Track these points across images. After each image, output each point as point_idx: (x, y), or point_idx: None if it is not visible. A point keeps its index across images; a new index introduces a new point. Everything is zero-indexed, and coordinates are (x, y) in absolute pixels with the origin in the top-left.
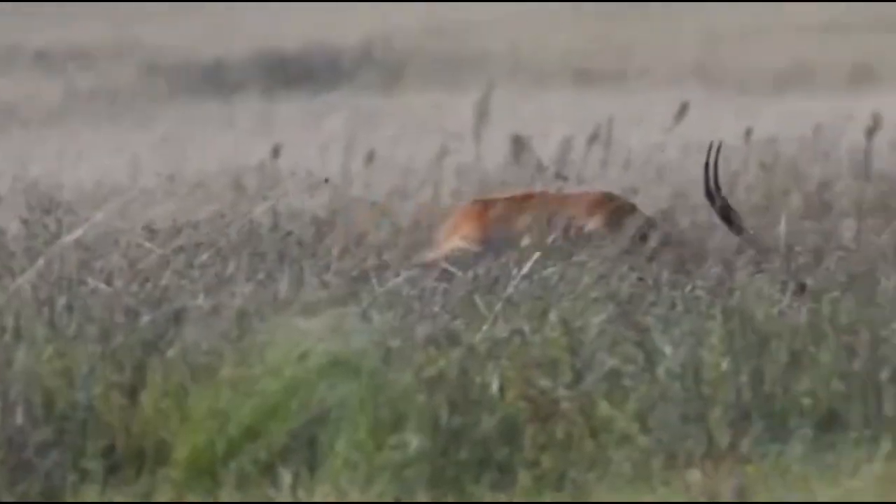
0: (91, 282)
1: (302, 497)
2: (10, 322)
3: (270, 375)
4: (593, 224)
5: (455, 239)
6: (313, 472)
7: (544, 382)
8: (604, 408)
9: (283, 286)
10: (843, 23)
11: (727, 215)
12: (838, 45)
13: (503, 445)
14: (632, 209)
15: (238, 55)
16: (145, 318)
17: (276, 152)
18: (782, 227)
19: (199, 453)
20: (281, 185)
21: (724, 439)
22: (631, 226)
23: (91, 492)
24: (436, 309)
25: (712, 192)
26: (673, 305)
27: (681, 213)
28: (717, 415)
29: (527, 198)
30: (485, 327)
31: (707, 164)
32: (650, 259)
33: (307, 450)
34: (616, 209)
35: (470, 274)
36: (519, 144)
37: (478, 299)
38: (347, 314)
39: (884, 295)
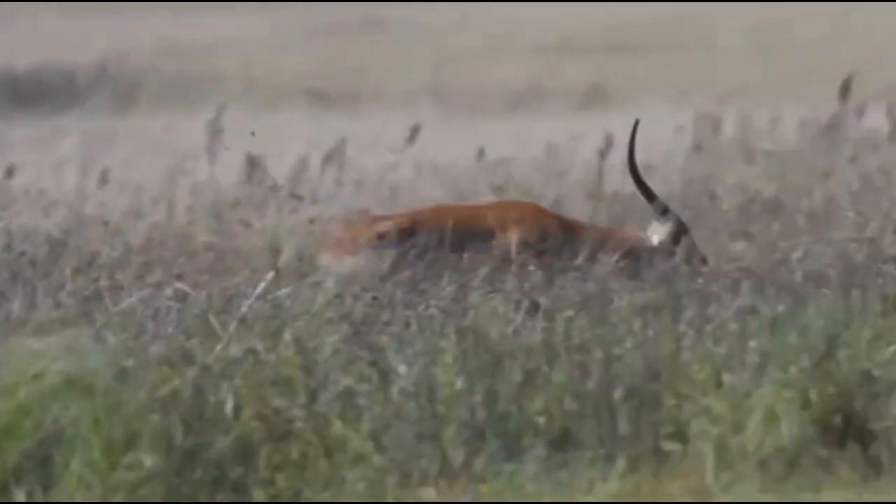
0: None
1: None
2: None
3: (4, 395)
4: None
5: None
6: (47, 492)
7: (279, 402)
8: (338, 427)
9: (17, 306)
10: (574, 44)
11: (650, 195)
12: (571, 67)
13: (238, 465)
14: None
15: None
16: None
17: (9, 172)
18: (514, 247)
19: None
20: (14, 204)
21: (458, 458)
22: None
23: None
24: (170, 329)
25: (636, 173)
26: (407, 325)
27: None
28: (451, 434)
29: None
30: (219, 347)
31: (630, 145)
32: (384, 279)
33: (41, 469)
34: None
35: (203, 294)
36: (253, 164)
37: (212, 319)
38: (81, 334)
39: (617, 314)
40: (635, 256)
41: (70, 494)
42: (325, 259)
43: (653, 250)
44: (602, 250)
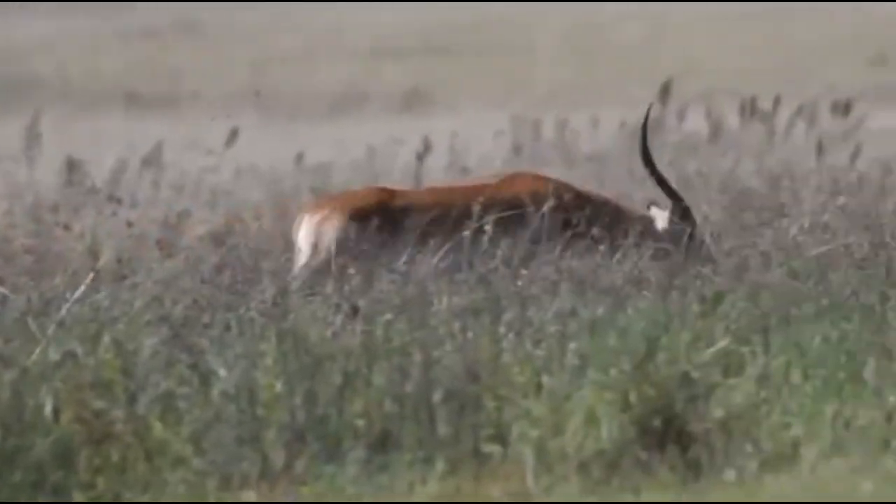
0: None
1: None
2: None
3: None
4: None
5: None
6: None
7: (98, 405)
8: (158, 430)
9: None
10: (394, 47)
11: (661, 178)
12: (390, 70)
13: (57, 467)
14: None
15: None
16: None
17: None
18: (333, 251)
19: None
20: None
21: (278, 460)
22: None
23: None
24: None
25: (649, 158)
26: (227, 327)
27: (236, 235)
28: (272, 436)
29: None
30: (38, 350)
31: (643, 130)
32: (204, 281)
33: None
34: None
35: (22, 297)
36: (72, 167)
37: (31, 322)
38: None
39: (436, 317)
40: (645, 236)
41: None
42: (304, 225)
43: (658, 234)
44: (622, 225)
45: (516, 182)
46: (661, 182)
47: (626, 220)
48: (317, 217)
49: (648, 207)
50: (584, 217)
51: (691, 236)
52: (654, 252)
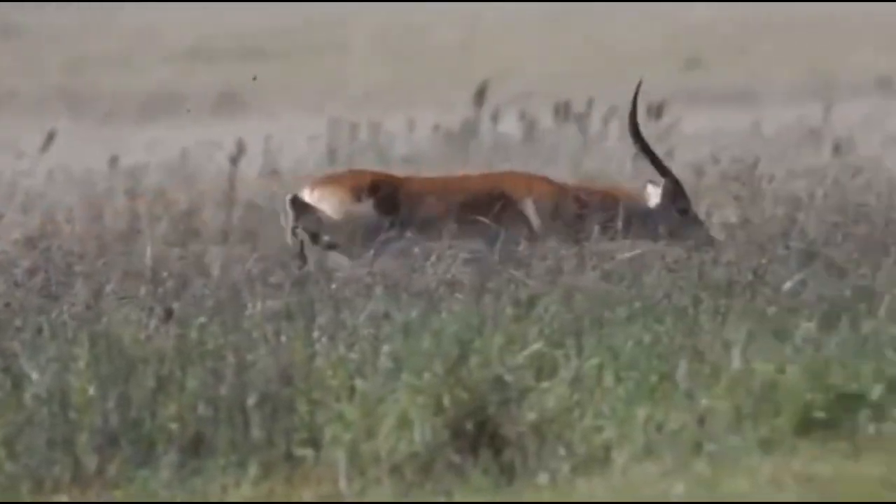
0: None
1: None
2: None
3: None
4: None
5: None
6: None
7: None
8: None
9: None
10: (208, 49)
11: (651, 154)
12: (204, 72)
13: None
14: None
15: None
16: None
17: None
18: (149, 253)
19: None
20: None
21: (91, 464)
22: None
23: None
24: None
25: (638, 132)
26: (40, 331)
27: (49, 238)
28: (84, 440)
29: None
30: None
31: (633, 103)
32: (17, 285)
33: None
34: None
35: None
36: None
37: None
38: None
39: (249, 320)
40: (636, 218)
41: None
42: (319, 195)
43: (650, 212)
44: (608, 214)
45: (514, 178)
46: (651, 157)
47: (619, 205)
48: (317, 193)
49: (646, 186)
50: (585, 210)
51: (685, 212)
52: (468, 255)
